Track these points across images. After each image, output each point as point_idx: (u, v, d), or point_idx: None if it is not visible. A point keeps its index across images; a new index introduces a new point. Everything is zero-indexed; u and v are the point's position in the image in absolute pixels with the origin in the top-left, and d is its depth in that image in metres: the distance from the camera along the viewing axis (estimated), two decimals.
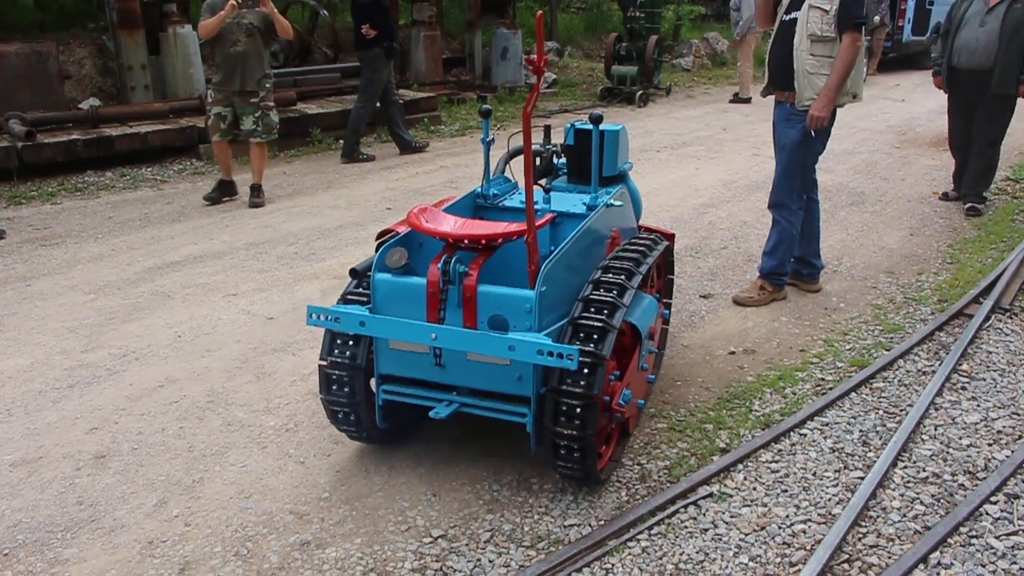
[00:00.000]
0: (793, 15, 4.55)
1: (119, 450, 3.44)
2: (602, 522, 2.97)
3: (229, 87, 6.74)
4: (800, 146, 4.63)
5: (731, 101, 12.72)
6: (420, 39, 11.77)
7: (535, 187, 3.49)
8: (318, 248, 5.91)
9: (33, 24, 11.38)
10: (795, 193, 4.77)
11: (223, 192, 7.12)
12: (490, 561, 2.79)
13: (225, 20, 6.57)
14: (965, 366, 4.10)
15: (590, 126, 3.61)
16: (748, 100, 12.60)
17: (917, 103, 12.36)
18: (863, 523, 2.96)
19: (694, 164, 8.49)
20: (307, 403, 3.78)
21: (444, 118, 10.68)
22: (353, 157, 8.69)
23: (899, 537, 2.89)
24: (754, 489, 3.17)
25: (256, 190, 7.08)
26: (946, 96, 6.86)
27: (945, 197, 7.13)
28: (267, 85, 6.90)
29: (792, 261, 5.04)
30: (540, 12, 2.76)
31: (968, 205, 6.71)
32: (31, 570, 2.77)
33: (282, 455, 3.40)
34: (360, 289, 3.18)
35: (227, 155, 7.08)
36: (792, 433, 3.54)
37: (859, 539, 2.88)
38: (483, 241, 2.93)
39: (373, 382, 3.19)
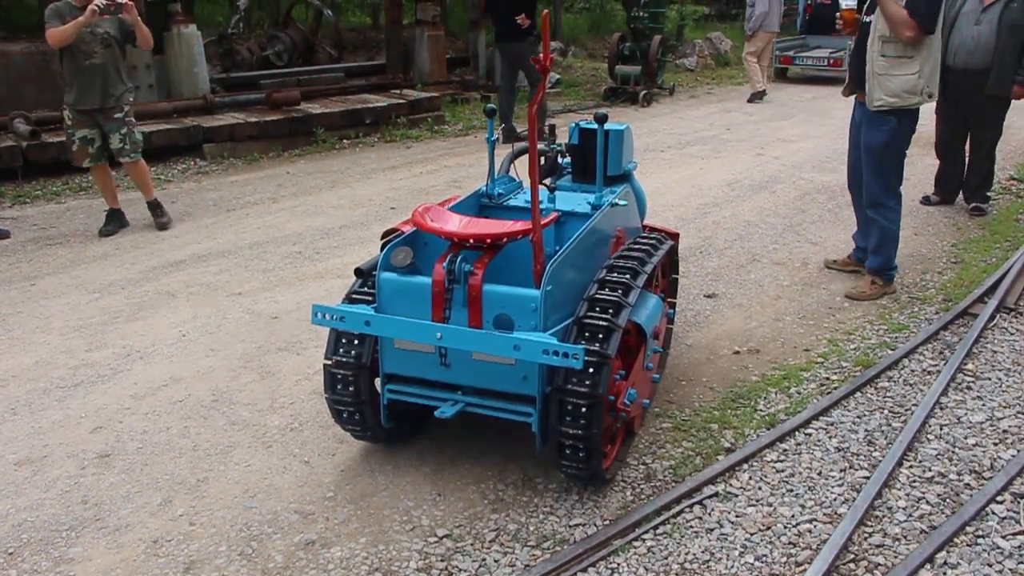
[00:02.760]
0: (870, 18, 4.65)
1: (124, 449, 3.45)
2: (607, 522, 2.97)
3: (88, 105, 5.96)
4: (886, 147, 4.73)
5: (749, 101, 12.68)
6: (424, 39, 11.75)
7: (540, 186, 3.49)
8: (322, 248, 5.91)
9: (37, 24, 11.39)
10: (890, 190, 4.88)
11: (119, 223, 6.40)
12: (495, 561, 2.79)
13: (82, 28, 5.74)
14: (970, 365, 4.09)
15: (595, 125, 3.61)
16: (762, 95, 12.62)
17: None
18: (869, 523, 2.96)
19: (698, 164, 8.48)
20: (312, 402, 3.78)
21: (448, 117, 10.67)
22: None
23: (905, 537, 2.89)
24: (759, 489, 3.16)
25: (156, 208, 6.41)
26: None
27: (927, 201, 6.91)
28: (129, 99, 6.16)
29: (856, 249, 5.35)
30: (546, 12, 2.76)
31: (972, 205, 6.67)
32: (36, 569, 2.78)
33: (287, 454, 3.40)
34: (365, 288, 3.18)
35: (110, 180, 6.37)
36: (797, 433, 3.54)
37: (865, 539, 2.88)
38: (488, 240, 2.93)
39: (378, 381, 3.19)
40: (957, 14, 6.19)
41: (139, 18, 5.95)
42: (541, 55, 2.59)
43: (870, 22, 4.66)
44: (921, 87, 4.57)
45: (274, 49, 11.78)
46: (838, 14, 4.97)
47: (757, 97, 12.60)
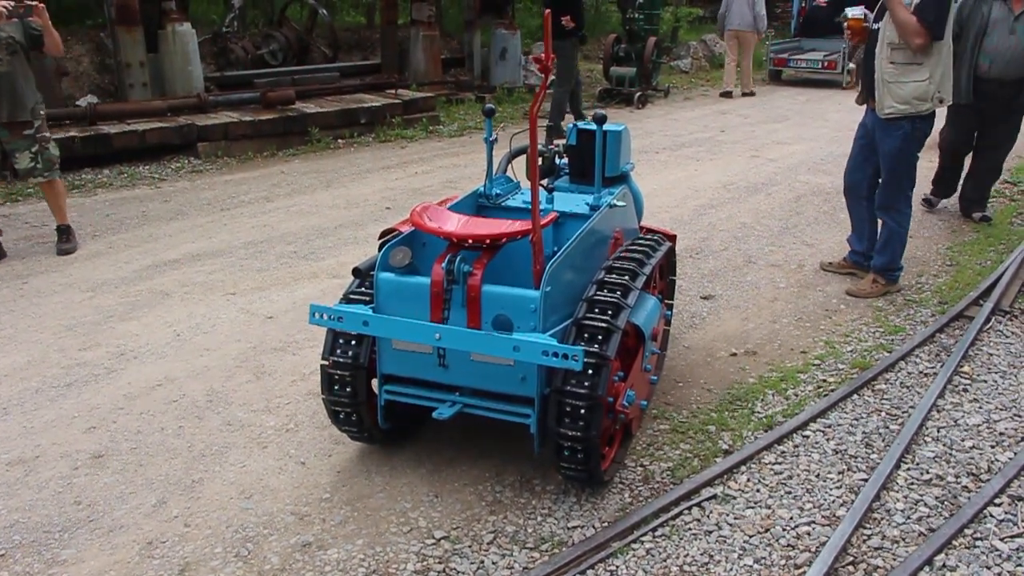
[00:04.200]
0: (878, 24, 4.67)
1: (117, 449, 3.42)
2: (605, 524, 2.96)
3: None
4: (900, 152, 4.75)
5: (744, 95, 13.35)
6: (419, 39, 11.74)
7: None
8: (317, 247, 5.89)
9: None
10: (902, 195, 4.90)
11: None
12: (493, 563, 2.77)
13: None
14: (966, 368, 4.10)
15: (593, 126, 3.60)
16: (730, 95, 13.34)
17: None
18: (867, 525, 2.95)
19: (693, 165, 8.48)
20: (307, 403, 3.76)
21: (443, 118, 10.65)
22: (561, 134, 9.05)
23: (904, 539, 2.88)
24: (757, 491, 3.16)
25: (64, 233, 5.83)
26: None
27: (929, 204, 6.79)
28: (41, 112, 5.65)
29: (851, 252, 5.38)
30: (547, 11, 2.75)
31: (980, 215, 6.51)
32: (28, 571, 2.75)
33: (283, 455, 3.38)
34: (363, 288, 3.16)
35: None
36: (795, 435, 3.53)
37: (864, 541, 2.87)
38: (488, 241, 2.91)
39: (375, 382, 3.17)
40: (987, 23, 5.90)
41: (49, 21, 5.48)
42: (542, 54, 2.58)
43: (876, 29, 4.67)
44: (932, 93, 4.58)
45: (269, 48, 11.74)
46: (845, 23, 4.94)
47: (745, 94, 13.37)
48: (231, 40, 11.54)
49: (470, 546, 2.85)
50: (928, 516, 3.00)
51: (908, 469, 3.28)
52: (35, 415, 3.67)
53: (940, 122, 6.76)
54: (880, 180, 4.95)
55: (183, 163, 8.36)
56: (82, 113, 8.43)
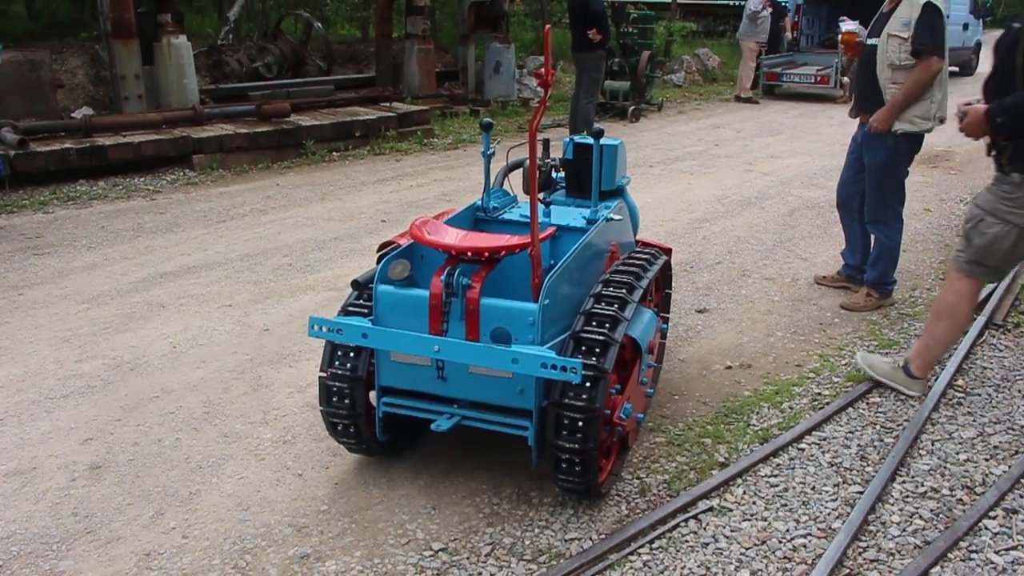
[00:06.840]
0: (873, 41, 4.71)
1: (115, 461, 3.41)
2: (603, 536, 2.97)
3: None
4: (885, 166, 4.81)
5: (742, 100, 14.50)
6: (414, 52, 11.80)
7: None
8: (313, 260, 5.90)
9: (25, 33, 11.36)
10: (890, 208, 4.95)
11: None
12: (491, 575, 2.78)
13: None
14: (960, 381, 4.13)
15: (590, 140, 3.63)
16: (749, 100, 14.33)
17: None
18: (863, 537, 2.97)
19: (687, 179, 8.53)
20: (304, 415, 3.76)
21: (437, 131, 10.68)
22: None
23: (899, 552, 2.90)
24: (754, 503, 3.17)
25: None
26: None
27: None
28: None
29: (845, 266, 5.41)
30: (548, 27, 2.78)
31: None
32: None
33: (280, 467, 3.38)
34: (361, 301, 3.18)
35: None
36: (790, 448, 3.55)
37: (860, 553, 2.89)
38: (486, 254, 2.93)
39: (373, 394, 3.17)
40: None
41: None
42: (542, 69, 2.60)
43: (872, 46, 4.71)
44: (934, 112, 4.64)
45: (263, 61, 11.76)
46: (840, 36, 5.00)
47: (741, 100, 14.40)
48: (226, 53, 11.56)
49: (468, 558, 2.86)
50: (923, 529, 3.02)
51: (903, 482, 3.30)
52: (32, 426, 3.67)
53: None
54: (867, 194, 5.00)
55: (178, 175, 8.37)
56: (77, 125, 8.43)
